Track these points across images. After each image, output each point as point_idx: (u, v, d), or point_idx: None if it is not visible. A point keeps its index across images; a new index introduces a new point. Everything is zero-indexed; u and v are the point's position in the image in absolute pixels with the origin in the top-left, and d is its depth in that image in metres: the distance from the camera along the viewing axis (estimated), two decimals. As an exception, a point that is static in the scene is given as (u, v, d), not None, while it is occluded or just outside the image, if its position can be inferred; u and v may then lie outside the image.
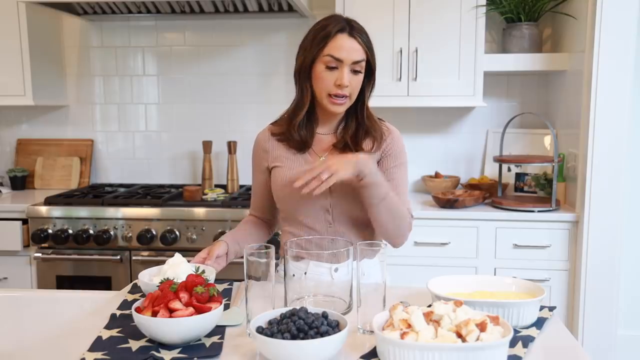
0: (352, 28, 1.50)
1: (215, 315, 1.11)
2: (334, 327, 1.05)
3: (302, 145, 1.57)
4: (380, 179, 1.46)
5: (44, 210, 2.68)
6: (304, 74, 1.55)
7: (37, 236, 2.64)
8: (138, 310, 1.12)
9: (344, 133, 1.57)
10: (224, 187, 3.08)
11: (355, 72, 1.49)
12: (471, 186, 2.92)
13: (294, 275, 1.42)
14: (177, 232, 2.63)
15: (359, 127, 1.56)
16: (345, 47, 1.47)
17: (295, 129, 1.57)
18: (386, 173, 1.56)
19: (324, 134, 1.60)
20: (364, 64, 1.50)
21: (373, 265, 1.22)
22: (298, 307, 1.08)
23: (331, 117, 1.58)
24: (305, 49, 1.53)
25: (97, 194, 2.88)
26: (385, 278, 1.20)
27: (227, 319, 1.22)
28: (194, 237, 2.62)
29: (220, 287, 1.46)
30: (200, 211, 2.64)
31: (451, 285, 1.30)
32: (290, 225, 1.61)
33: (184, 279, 1.17)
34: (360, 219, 1.55)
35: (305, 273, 1.53)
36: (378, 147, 1.56)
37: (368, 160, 1.43)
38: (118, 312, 1.28)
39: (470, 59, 2.69)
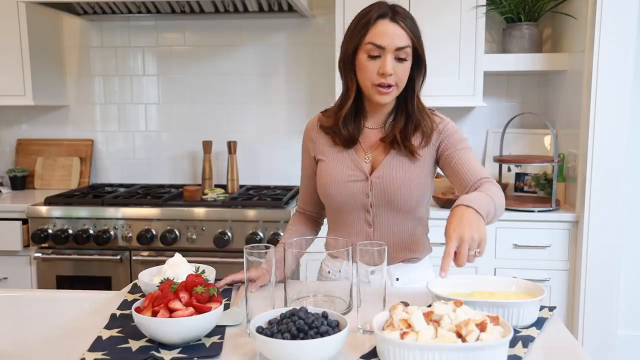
0: (395, 12, 1.41)
1: (215, 315, 1.11)
2: (334, 327, 1.05)
3: (349, 141, 1.51)
4: (486, 209, 1.28)
5: (44, 210, 2.68)
6: (347, 65, 1.47)
7: (37, 236, 2.64)
8: (138, 310, 1.12)
9: (393, 127, 1.50)
10: (224, 187, 3.08)
11: (399, 59, 1.41)
12: (471, 186, 2.92)
13: (329, 272, 1.41)
14: (177, 232, 2.63)
15: (408, 121, 1.49)
16: (387, 33, 1.39)
17: (342, 123, 1.50)
18: (458, 165, 1.45)
19: (372, 128, 1.54)
20: (409, 50, 1.41)
21: (410, 270, 1.21)
22: (298, 307, 1.08)
23: (379, 109, 1.51)
24: (347, 39, 1.46)
25: (97, 194, 2.88)
26: (385, 279, 1.20)
27: (227, 319, 1.22)
28: (194, 237, 2.62)
29: (220, 287, 1.46)
30: (200, 211, 2.64)
31: (451, 285, 1.30)
32: (332, 222, 1.59)
33: (184, 279, 1.17)
34: (402, 222, 1.52)
35: (339, 271, 1.53)
36: (427, 142, 1.49)
37: (477, 201, 1.27)
38: (118, 312, 1.28)
39: (470, 59, 2.69)
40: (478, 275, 1.41)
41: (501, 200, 1.39)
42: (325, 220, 1.67)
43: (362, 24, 1.42)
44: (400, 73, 1.42)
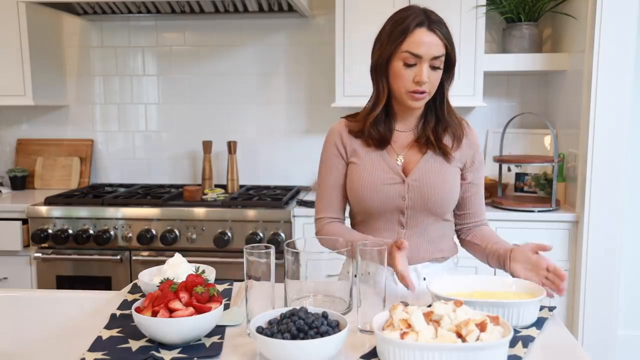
0: (431, 21, 1.41)
1: (215, 315, 1.11)
2: (334, 327, 1.05)
3: (381, 141, 1.51)
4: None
5: (44, 210, 2.68)
6: (380, 70, 1.47)
7: (37, 236, 2.64)
8: (138, 310, 1.12)
9: (425, 128, 1.52)
10: (224, 187, 3.08)
11: (434, 67, 1.42)
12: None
13: (355, 275, 1.40)
14: (177, 232, 2.63)
15: (438, 123, 1.51)
16: (425, 42, 1.39)
17: (372, 126, 1.51)
18: (472, 185, 1.56)
19: (403, 131, 1.54)
20: (443, 58, 1.43)
21: (446, 267, 1.21)
22: (298, 307, 1.08)
23: (409, 112, 1.52)
24: (382, 44, 1.45)
25: (97, 194, 2.88)
26: (385, 277, 1.20)
27: (227, 319, 1.22)
28: (194, 237, 2.62)
29: (220, 287, 1.46)
30: (200, 211, 2.64)
31: (451, 285, 1.30)
32: (362, 225, 1.58)
33: (184, 279, 1.17)
34: (434, 224, 1.53)
35: (368, 273, 1.52)
36: (458, 146, 1.52)
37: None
38: (118, 312, 1.28)
39: (470, 59, 2.69)
40: (478, 275, 1.41)
41: None
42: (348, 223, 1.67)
43: (399, 31, 1.41)
44: (433, 80, 1.44)
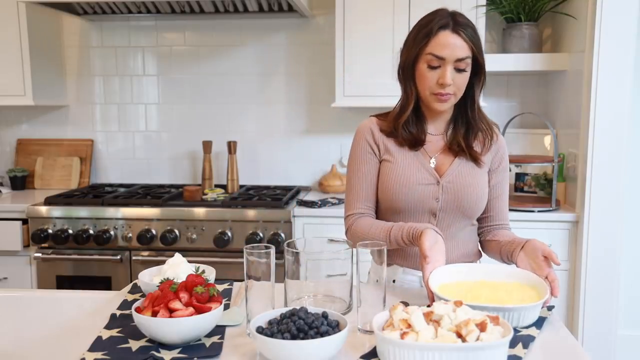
0: (456, 23, 1.40)
1: (215, 315, 1.11)
2: (334, 327, 1.05)
3: (414, 142, 1.51)
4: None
5: (44, 210, 2.68)
6: (407, 73, 1.48)
7: (37, 236, 2.64)
8: (138, 310, 1.12)
9: (455, 134, 1.51)
10: (224, 187, 3.08)
11: (459, 70, 1.41)
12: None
13: (377, 280, 1.38)
14: (177, 232, 2.63)
15: (469, 128, 1.51)
16: (448, 44, 1.39)
17: (404, 128, 1.50)
18: (496, 187, 1.56)
19: (434, 135, 1.54)
20: (469, 60, 1.42)
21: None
22: (298, 307, 1.08)
23: (438, 115, 1.52)
24: (408, 47, 1.46)
25: (97, 194, 2.88)
26: (384, 277, 1.19)
27: (227, 319, 1.22)
28: (194, 237, 2.62)
29: (220, 287, 1.46)
30: (200, 211, 2.64)
31: (452, 275, 1.30)
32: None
33: (184, 279, 1.17)
34: (463, 226, 1.52)
35: (393, 281, 1.53)
36: (488, 150, 1.52)
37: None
38: (118, 312, 1.28)
39: (470, 59, 2.68)
40: (482, 264, 1.41)
41: None
42: None
43: (424, 34, 1.42)
44: (459, 83, 1.43)
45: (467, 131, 1.51)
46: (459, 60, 1.40)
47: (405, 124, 1.50)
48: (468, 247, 1.57)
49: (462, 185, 1.48)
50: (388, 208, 1.53)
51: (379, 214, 1.58)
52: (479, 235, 1.62)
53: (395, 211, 1.51)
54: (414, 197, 1.48)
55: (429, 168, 1.50)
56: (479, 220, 1.59)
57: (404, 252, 1.52)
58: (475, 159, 1.50)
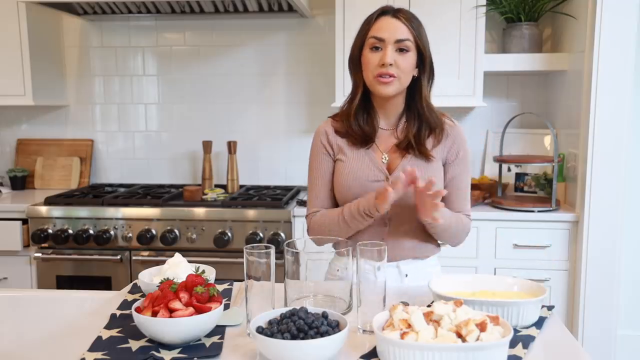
0: (397, 11, 1.49)
1: (215, 315, 1.11)
2: (334, 327, 1.05)
3: (364, 138, 1.54)
4: (448, 221, 1.48)
5: (44, 210, 2.68)
6: (354, 64, 1.53)
7: (37, 236, 2.64)
8: (138, 310, 1.12)
9: (407, 131, 1.54)
10: (224, 187, 3.08)
11: (401, 50, 1.45)
12: (471, 186, 2.92)
13: (338, 270, 1.42)
14: (177, 232, 2.63)
15: (421, 124, 1.53)
16: (388, 26, 1.46)
17: (353, 121, 1.54)
18: (454, 180, 1.56)
19: (386, 129, 1.57)
20: (409, 43, 1.46)
21: (429, 265, 1.22)
22: (298, 307, 1.08)
23: (388, 106, 1.54)
24: (354, 40, 1.54)
25: (97, 194, 2.88)
26: (384, 277, 1.19)
27: (227, 319, 1.22)
28: (194, 237, 2.62)
29: (220, 287, 1.46)
30: (200, 211, 2.64)
31: (453, 285, 1.30)
32: None
33: (184, 279, 1.17)
34: (417, 222, 1.53)
35: (346, 269, 1.53)
36: (438, 142, 1.54)
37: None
38: (118, 312, 1.28)
39: (470, 59, 2.68)
40: (480, 275, 1.41)
41: (462, 227, 1.57)
42: None
43: (366, 22, 1.51)
44: (402, 65, 1.46)
45: (418, 127, 1.53)
46: (399, 41, 1.45)
47: (356, 118, 1.54)
48: (423, 242, 1.58)
49: None
50: (343, 204, 1.57)
51: None
52: None
53: None
54: (363, 193, 1.51)
55: (379, 165, 1.53)
56: None
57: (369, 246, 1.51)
58: (425, 155, 1.52)
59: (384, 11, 1.49)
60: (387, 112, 1.56)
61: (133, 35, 3.22)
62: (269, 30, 3.14)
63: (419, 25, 1.49)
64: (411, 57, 1.47)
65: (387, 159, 1.54)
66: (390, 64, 1.44)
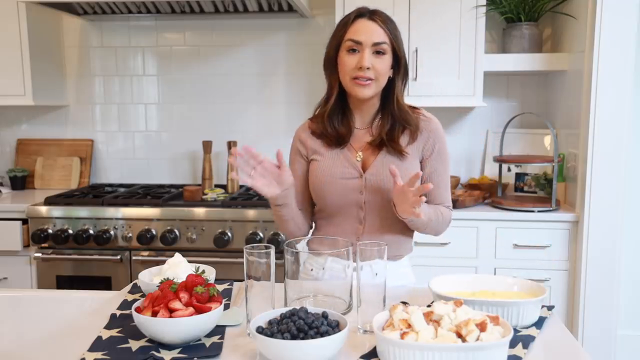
0: (373, 13, 1.50)
1: (215, 315, 1.11)
2: (334, 327, 1.05)
3: (339, 139, 1.56)
4: (428, 216, 1.48)
5: (44, 210, 2.68)
6: (329, 65, 1.55)
7: (37, 236, 2.64)
8: (138, 310, 1.12)
9: (380, 129, 1.56)
10: (224, 187, 3.08)
11: (378, 53, 1.47)
12: (471, 186, 2.92)
13: (312, 269, 1.42)
14: (177, 232, 2.63)
15: (394, 123, 1.54)
16: (365, 29, 1.47)
17: (328, 122, 1.56)
18: (434, 173, 1.56)
19: (360, 128, 1.59)
20: (385, 46, 1.48)
21: (401, 266, 1.23)
22: (298, 307, 1.08)
23: (364, 107, 1.56)
24: (330, 41, 1.56)
25: (97, 194, 2.88)
26: (385, 278, 1.20)
27: (227, 319, 1.22)
28: (194, 237, 2.62)
29: (220, 287, 1.46)
30: (200, 211, 2.63)
31: (453, 285, 1.30)
32: (323, 220, 1.62)
33: (184, 279, 1.17)
34: (392, 219, 1.54)
35: (323, 268, 1.55)
36: (414, 140, 1.55)
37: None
38: (118, 312, 1.28)
39: (470, 59, 2.69)
40: (480, 275, 1.41)
41: (442, 220, 1.56)
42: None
43: (342, 24, 1.52)
44: (378, 68, 1.48)
45: (392, 125, 1.55)
46: (377, 44, 1.47)
47: (330, 118, 1.56)
48: (398, 242, 1.58)
49: (385, 177, 1.52)
50: (320, 204, 1.60)
51: (315, 211, 1.64)
52: None
53: (325, 205, 1.58)
54: (338, 191, 1.53)
55: (353, 162, 1.55)
56: None
57: (333, 242, 1.52)
58: (399, 152, 1.53)
59: (361, 13, 1.50)
60: (362, 112, 1.58)
61: (133, 35, 3.22)
62: (269, 30, 3.14)
63: (394, 27, 1.51)
64: (387, 60, 1.50)
65: (361, 156, 1.56)
66: (368, 68, 1.46)
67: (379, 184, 1.52)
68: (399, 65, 1.53)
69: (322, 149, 1.58)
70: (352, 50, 1.48)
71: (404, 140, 1.55)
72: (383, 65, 1.49)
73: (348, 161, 1.55)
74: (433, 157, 1.57)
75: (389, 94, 1.55)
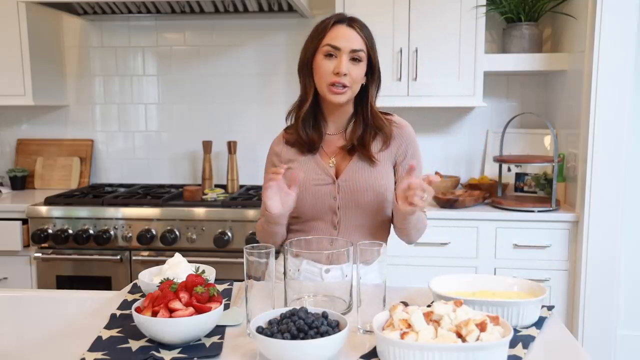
0: (352, 20, 1.52)
1: (215, 315, 1.11)
2: (334, 327, 1.06)
3: (310, 146, 1.58)
4: (416, 215, 1.48)
5: (44, 210, 2.68)
6: (305, 69, 1.55)
7: (37, 236, 2.64)
8: (138, 310, 1.12)
9: (352, 135, 1.57)
10: (224, 187, 3.08)
11: (354, 60, 1.49)
12: (471, 186, 2.92)
13: (290, 270, 1.43)
14: (177, 232, 2.63)
15: (366, 128, 1.56)
16: (344, 35, 1.48)
17: (301, 127, 1.57)
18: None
19: (333, 134, 1.60)
20: (362, 54, 1.50)
21: (370, 270, 1.24)
22: (298, 307, 1.08)
23: (338, 113, 1.58)
24: (306, 45, 1.55)
25: (97, 194, 2.88)
26: (385, 278, 1.20)
27: (227, 319, 1.22)
28: (194, 237, 2.62)
29: (220, 287, 1.46)
30: (200, 211, 2.64)
31: (453, 285, 1.30)
32: (297, 224, 1.62)
33: (184, 279, 1.17)
34: (367, 224, 1.55)
35: (298, 270, 1.54)
36: (387, 146, 1.56)
37: None
38: (118, 312, 1.28)
39: (470, 59, 2.69)
40: (480, 275, 1.41)
41: (422, 220, 1.58)
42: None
43: (320, 29, 1.52)
44: (354, 75, 1.49)
45: (363, 130, 1.56)
46: (354, 51, 1.48)
47: (304, 124, 1.57)
48: (372, 241, 1.57)
49: (357, 183, 1.53)
50: (294, 211, 1.57)
51: (291, 218, 1.61)
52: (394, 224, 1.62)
53: (301, 213, 1.58)
54: (311, 197, 1.54)
55: (326, 168, 1.56)
56: (393, 214, 1.59)
57: (308, 244, 1.52)
58: (369, 158, 1.54)
59: (340, 19, 1.51)
60: (336, 118, 1.59)
61: (133, 35, 3.22)
62: (269, 30, 3.14)
63: (371, 35, 1.53)
64: (363, 67, 1.51)
65: (334, 162, 1.58)
66: (345, 74, 1.47)
67: (352, 189, 1.53)
68: (373, 73, 1.55)
69: (296, 156, 1.60)
70: (329, 55, 1.49)
71: (376, 146, 1.56)
72: (359, 72, 1.50)
73: (320, 167, 1.57)
74: (406, 162, 1.58)
75: (363, 101, 1.56)
